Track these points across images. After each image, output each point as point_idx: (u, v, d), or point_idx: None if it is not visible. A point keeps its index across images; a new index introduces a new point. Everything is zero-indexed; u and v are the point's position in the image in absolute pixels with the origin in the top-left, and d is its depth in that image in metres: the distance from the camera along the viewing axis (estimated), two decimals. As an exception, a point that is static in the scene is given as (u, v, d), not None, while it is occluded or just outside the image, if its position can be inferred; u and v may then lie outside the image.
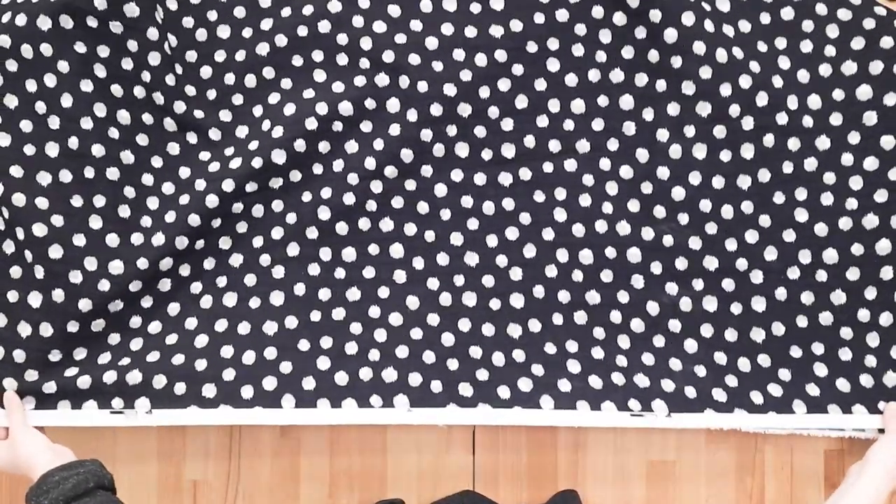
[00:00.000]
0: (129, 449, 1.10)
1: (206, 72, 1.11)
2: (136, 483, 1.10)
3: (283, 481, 1.10)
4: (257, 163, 1.06)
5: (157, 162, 1.09)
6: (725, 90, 1.09)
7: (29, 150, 1.03)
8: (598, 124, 1.10)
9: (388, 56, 1.09)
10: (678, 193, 1.09)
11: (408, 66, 1.09)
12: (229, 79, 1.10)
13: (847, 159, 1.08)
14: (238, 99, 1.10)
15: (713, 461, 1.11)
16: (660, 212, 1.09)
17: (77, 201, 1.04)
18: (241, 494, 1.10)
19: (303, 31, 1.09)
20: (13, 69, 1.03)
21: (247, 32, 1.11)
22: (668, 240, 1.09)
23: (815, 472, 1.10)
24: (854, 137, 1.08)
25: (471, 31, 1.10)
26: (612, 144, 1.10)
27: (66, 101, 1.04)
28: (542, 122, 1.10)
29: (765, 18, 1.11)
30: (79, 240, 1.03)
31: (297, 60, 1.10)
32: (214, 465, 1.10)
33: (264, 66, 1.10)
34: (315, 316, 1.08)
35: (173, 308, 1.07)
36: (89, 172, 1.05)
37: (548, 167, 1.10)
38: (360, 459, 1.11)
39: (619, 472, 1.10)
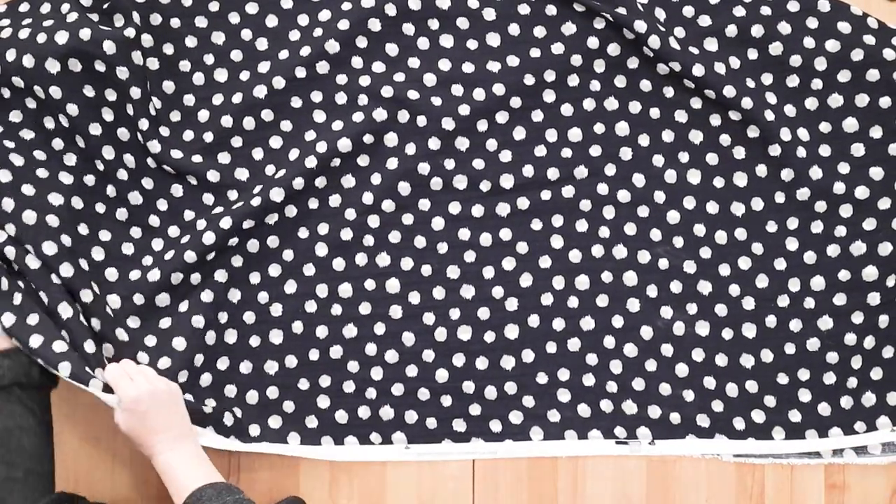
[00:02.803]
0: (128, 448, 1.10)
1: (203, 115, 1.11)
2: (136, 482, 1.10)
3: (283, 481, 1.10)
4: (256, 201, 1.06)
5: (162, 205, 1.09)
6: (715, 121, 1.11)
7: (42, 172, 1.02)
8: (595, 150, 1.11)
9: (387, 91, 1.10)
10: (673, 217, 1.11)
11: (406, 100, 1.10)
12: (226, 121, 1.10)
13: (839, 188, 1.09)
14: (237, 141, 1.11)
15: (714, 460, 1.10)
16: (656, 235, 1.11)
17: (83, 229, 1.03)
18: (240, 494, 1.11)
19: (301, 72, 1.10)
20: (32, 106, 1.03)
21: (244, 75, 1.12)
22: (663, 263, 1.10)
23: (816, 472, 1.10)
24: (844, 168, 1.09)
25: (468, 67, 1.11)
26: (610, 170, 1.11)
27: (78, 142, 1.04)
28: (540, 151, 1.11)
29: (752, 54, 1.11)
30: (83, 264, 1.02)
31: (296, 102, 1.11)
32: (214, 464, 1.07)
33: (263, 109, 1.10)
34: (314, 355, 1.09)
35: (179, 343, 1.06)
36: (100, 208, 1.05)
37: (545, 195, 1.11)
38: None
39: (619, 472, 1.10)
